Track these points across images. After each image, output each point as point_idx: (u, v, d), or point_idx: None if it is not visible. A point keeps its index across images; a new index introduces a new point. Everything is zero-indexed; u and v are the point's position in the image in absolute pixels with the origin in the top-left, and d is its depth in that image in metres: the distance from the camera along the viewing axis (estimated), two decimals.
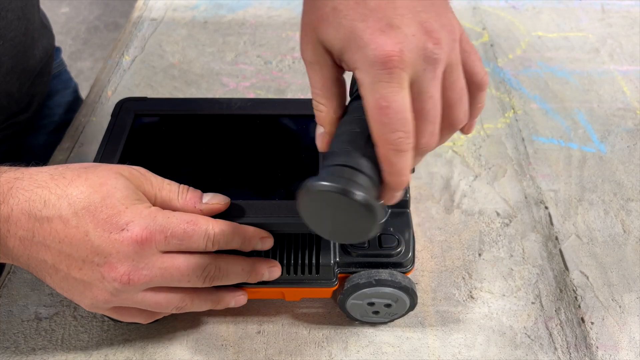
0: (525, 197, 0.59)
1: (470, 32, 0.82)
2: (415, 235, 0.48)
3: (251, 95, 0.72)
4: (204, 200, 0.41)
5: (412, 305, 0.46)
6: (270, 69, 0.76)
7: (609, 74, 0.75)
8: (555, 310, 0.50)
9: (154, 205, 0.40)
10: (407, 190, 0.48)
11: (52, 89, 0.74)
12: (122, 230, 0.37)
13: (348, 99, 0.39)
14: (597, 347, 0.47)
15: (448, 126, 0.36)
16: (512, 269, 0.53)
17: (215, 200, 0.41)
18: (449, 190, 0.60)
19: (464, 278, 0.52)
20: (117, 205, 0.37)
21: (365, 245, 0.45)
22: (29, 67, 0.64)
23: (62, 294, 0.40)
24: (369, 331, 0.48)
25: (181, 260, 0.39)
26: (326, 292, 0.46)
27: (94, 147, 0.64)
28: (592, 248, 0.55)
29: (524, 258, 0.54)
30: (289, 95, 0.71)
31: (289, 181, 0.45)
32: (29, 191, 0.37)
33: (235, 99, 0.51)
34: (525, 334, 0.48)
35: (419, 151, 0.35)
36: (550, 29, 0.83)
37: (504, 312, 0.49)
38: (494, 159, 0.63)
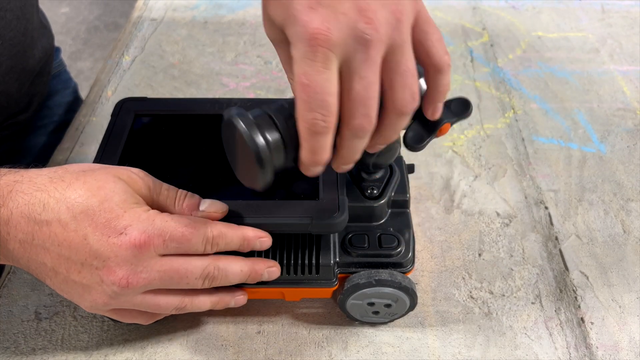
0: (525, 197, 0.59)
1: (470, 32, 0.82)
2: (415, 235, 0.48)
3: (251, 95, 0.72)
4: (202, 208, 0.40)
5: (412, 306, 0.46)
6: (270, 69, 0.76)
7: (609, 74, 0.75)
8: (555, 310, 0.50)
9: (151, 208, 0.40)
10: (407, 190, 0.48)
11: (52, 89, 0.74)
12: (121, 234, 0.37)
13: None
14: (597, 347, 0.47)
15: (393, 110, 0.35)
16: (512, 269, 0.53)
17: (212, 208, 0.41)
18: (449, 190, 0.60)
19: (464, 278, 0.52)
20: (116, 209, 0.37)
21: (365, 245, 0.45)
22: (28, 67, 0.64)
23: (62, 295, 0.40)
24: (369, 331, 0.48)
25: (180, 263, 0.39)
26: (326, 292, 0.46)
27: (94, 147, 0.64)
28: (592, 248, 0.55)
29: (524, 258, 0.54)
30: (289, 95, 0.71)
31: (288, 181, 0.45)
32: (28, 194, 0.37)
33: (235, 99, 0.51)
34: (525, 334, 0.48)
35: (357, 133, 0.35)
36: (550, 29, 0.83)
37: (504, 312, 0.49)
38: (494, 159, 0.63)
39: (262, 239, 0.41)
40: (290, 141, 0.35)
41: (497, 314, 0.49)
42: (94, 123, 0.68)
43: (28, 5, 0.62)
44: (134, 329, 0.48)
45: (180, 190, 0.41)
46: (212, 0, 0.89)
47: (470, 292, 0.51)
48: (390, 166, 0.49)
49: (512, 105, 0.70)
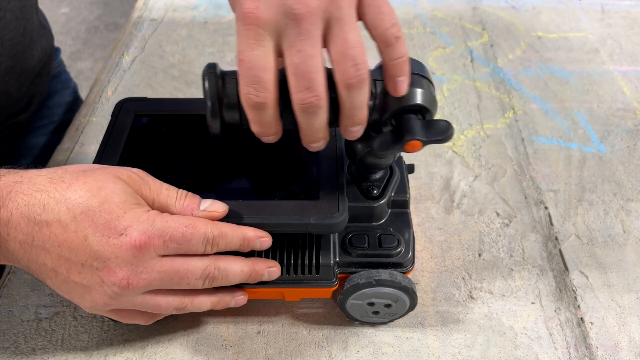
0: (525, 198, 0.59)
1: (470, 32, 0.82)
2: (415, 235, 0.48)
3: None
4: (202, 207, 0.40)
5: (412, 306, 0.46)
6: None
7: (608, 74, 0.75)
8: (555, 311, 0.50)
9: (152, 209, 0.40)
10: (407, 190, 0.48)
11: (52, 89, 0.74)
12: (121, 235, 0.37)
13: None
14: (597, 347, 0.47)
15: (340, 82, 0.36)
16: (512, 269, 0.53)
17: (213, 207, 0.41)
18: (449, 191, 0.60)
19: (463, 278, 0.52)
20: (116, 209, 0.37)
21: (365, 245, 0.45)
22: (28, 68, 0.64)
23: (62, 295, 0.40)
24: (369, 331, 0.48)
25: (180, 263, 0.39)
26: (326, 292, 0.46)
27: (94, 148, 0.64)
28: (592, 248, 0.55)
29: (523, 258, 0.54)
30: None
31: (288, 181, 0.45)
32: (28, 195, 0.37)
33: None
34: (525, 334, 0.48)
35: (304, 108, 0.36)
36: (550, 29, 0.83)
37: (504, 312, 0.49)
38: (494, 159, 0.63)
39: (262, 239, 0.41)
40: (237, 104, 0.38)
41: (497, 314, 0.49)
42: (94, 123, 0.68)
43: (28, 5, 0.62)
44: (134, 329, 0.48)
45: (180, 190, 0.41)
46: (212, 1, 0.89)
47: (470, 292, 0.51)
48: (390, 166, 0.49)
49: (512, 106, 0.70)
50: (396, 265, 0.45)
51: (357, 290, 0.45)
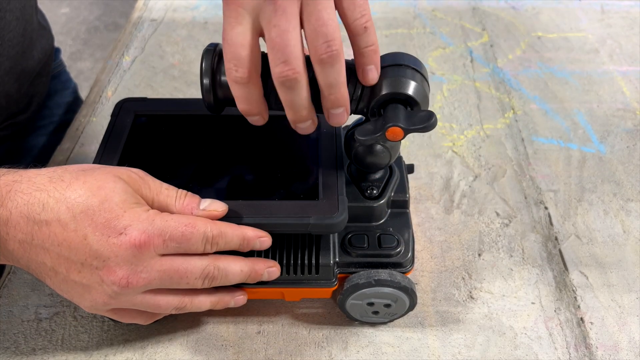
0: (525, 198, 0.59)
1: (470, 32, 0.82)
2: (414, 235, 0.48)
3: None
4: (202, 206, 0.40)
5: (412, 306, 0.46)
6: None
7: (608, 75, 0.75)
8: (555, 311, 0.50)
9: (151, 208, 0.40)
10: (406, 190, 0.48)
11: (52, 89, 0.74)
12: (121, 234, 0.37)
13: None
14: (597, 347, 0.47)
15: (314, 58, 0.37)
16: (511, 269, 0.53)
17: (212, 206, 0.41)
18: (449, 191, 0.60)
19: (463, 278, 0.52)
20: (115, 209, 0.37)
21: (365, 245, 0.45)
22: (28, 68, 0.64)
23: (62, 295, 0.40)
24: (368, 331, 0.48)
25: (180, 263, 0.39)
26: (326, 292, 0.46)
27: (94, 148, 0.64)
28: (592, 248, 0.55)
29: (523, 258, 0.54)
30: None
31: (288, 181, 0.45)
32: (27, 194, 0.37)
33: None
34: (525, 334, 0.48)
35: (282, 82, 0.37)
36: (549, 30, 0.83)
37: (503, 312, 0.49)
38: (494, 159, 0.63)
39: (262, 239, 0.41)
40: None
41: (497, 314, 0.49)
42: (94, 123, 0.68)
43: (28, 6, 0.62)
44: (134, 329, 0.48)
45: (179, 189, 0.41)
46: (212, 1, 0.89)
47: (470, 292, 0.51)
48: (390, 166, 0.49)
49: (511, 106, 0.70)
50: (396, 265, 0.45)
51: (357, 290, 0.45)
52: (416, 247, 0.53)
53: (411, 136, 0.66)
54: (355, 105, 0.42)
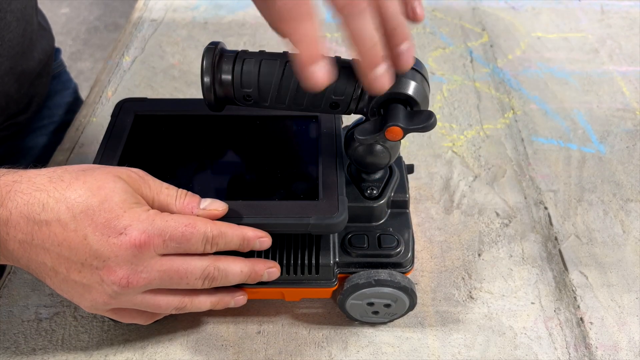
0: (525, 198, 0.59)
1: (470, 32, 0.82)
2: (414, 235, 0.48)
3: None
4: (202, 206, 0.40)
5: (412, 306, 0.46)
6: None
7: (608, 75, 0.75)
8: (555, 311, 0.50)
9: (151, 208, 0.40)
10: (406, 191, 0.48)
11: (52, 89, 0.74)
12: (121, 234, 0.37)
13: None
14: (597, 347, 0.47)
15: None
16: (511, 269, 0.53)
17: (213, 206, 0.41)
18: (449, 191, 0.60)
19: (463, 278, 0.52)
20: (116, 209, 0.37)
21: (365, 245, 0.45)
22: (28, 69, 0.64)
23: (62, 295, 0.40)
24: (368, 331, 0.48)
25: (180, 263, 0.39)
26: (326, 292, 0.46)
27: (94, 148, 0.64)
28: (592, 248, 0.55)
29: (523, 258, 0.54)
30: None
31: (288, 181, 0.45)
32: (27, 194, 0.37)
33: None
34: (525, 334, 0.48)
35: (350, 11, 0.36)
36: (549, 30, 0.83)
37: (503, 312, 0.49)
38: (494, 159, 0.63)
39: (262, 239, 0.41)
40: (240, 82, 0.42)
41: (496, 314, 0.49)
42: (94, 124, 0.68)
43: (28, 7, 0.62)
44: (134, 329, 0.48)
45: (180, 189, 0.41)
46: (212, 1, 0.89)
47: (470, 292, 0.51)
48: (390, 166, 0.49)
49: (511, 106, 0.70)
50: (396, 265, 0.45)
51: (357, 290, 0.45)
52: (416, 247, 0.53)
53: (411, 136, 0.66)
54: (355, 105, 0.42)
